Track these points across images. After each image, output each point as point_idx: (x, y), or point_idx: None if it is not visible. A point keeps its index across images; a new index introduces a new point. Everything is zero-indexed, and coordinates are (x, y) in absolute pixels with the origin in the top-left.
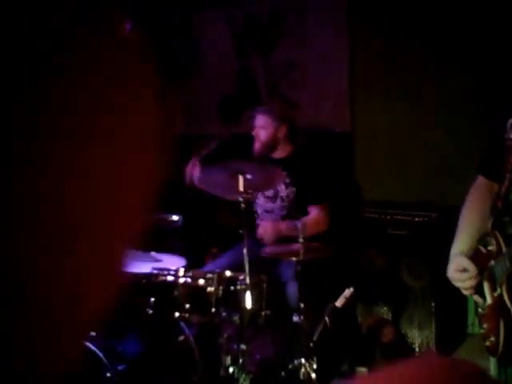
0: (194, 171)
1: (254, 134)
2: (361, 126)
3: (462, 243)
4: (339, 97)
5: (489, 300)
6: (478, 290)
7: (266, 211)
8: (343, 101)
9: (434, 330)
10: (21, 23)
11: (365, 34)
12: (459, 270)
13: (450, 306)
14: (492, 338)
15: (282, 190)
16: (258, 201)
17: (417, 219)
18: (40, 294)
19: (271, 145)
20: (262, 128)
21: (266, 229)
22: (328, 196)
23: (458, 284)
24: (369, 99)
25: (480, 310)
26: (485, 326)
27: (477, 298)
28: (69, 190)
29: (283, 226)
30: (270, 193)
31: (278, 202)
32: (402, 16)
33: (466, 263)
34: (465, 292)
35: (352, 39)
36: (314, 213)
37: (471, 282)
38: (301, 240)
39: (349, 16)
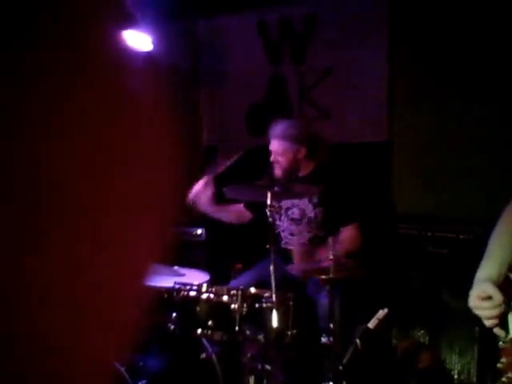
0: (204, 191)
1: (272, 159)
2: (399, 137)
3: (489, 268)
4: (376, 106)
5: None
6: (501, 321)
7: (291, 234)
8: (381, 110)
9: (476, 357)
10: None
11: (405, 44)
12: (482, 298)
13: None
14: (510, 375)
15: (310, 211)
16: (280, 223)
17: (461, 236)
18: (69, 309)
19: (293, 169)
20: (280, 154)
21: (302, 259)
22: (358, 213)
23: (478, 312)
24: (408, 109)
25: (501, 343)
26: (503, 360)
27: (498, 330)
28: (94, 206)
29: (319, 253)
30: (295, 215)
31: (304, 223)
32: (443, 28)
33: (492, 291)
34: (486, 323)
35: (392, 49)
36: (346, 233)
37: (494, 312)
38: (331, 257)
39: (390, 25)
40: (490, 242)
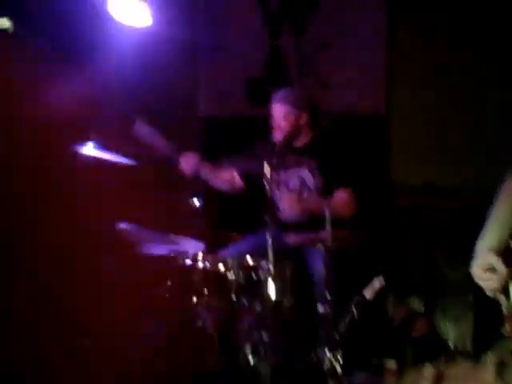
0: (190, 159)
1: (273, 124)
2: (397, 108)
3: (490, 238)
4: (375, 77)
5: None
6: (504, 290)
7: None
8: (379, 81)
9: (471, 324)
10: None
11: (405, 16)
12: (485, 268)
13: (489, 299)
14: None
15: (310, 181)
16: (279, 193)
17: (457, 206)
18: None
19: (294, 134)
20: (283, 118)
21: (290, 199)
22: (353, 180)
23: (481, 283)
24: (406, 79)
25: (504, 310)
26: (508, 327)
27: (501, 298)
28: None
29: (309, 199)
30: (295, 185)
31: (305, 194)
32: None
33: (494, 261)
34: (488, 292)
35: (391, 22)
36: (339, 195)
37: (498, 283)
38: (328, 227)
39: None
40: (491, 211)
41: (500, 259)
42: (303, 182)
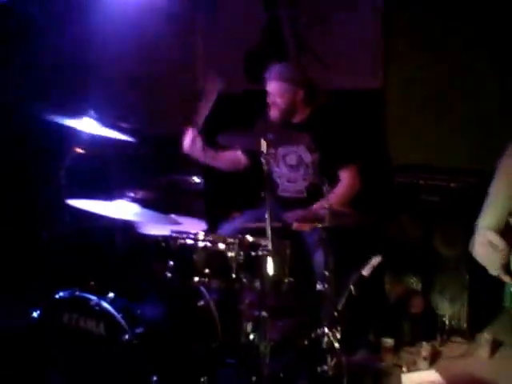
0: (193, 144)
1: (269, 101)
2: (395, 84)
3: (490, 216)
4: (372, 50)
5: None
6: (505, 268)
7: (289, 181)
8: (376, 58)
9: (466, 303)
10: None
11: None
12: (485, 246)
13: (485, 278)
14: None
15: (307, 157)
16: (278, 170)
17: (453, 184)
18: None
19: (290, 111)
20: (278, 95)
21: (297, 218)
22: (355, 156)
23: (484, 261)
24: (405, 56)
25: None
26: None
27: (506, 277)
28: None
29: (316, 210)
30: (292, 161)
31: (302, 170)
32: None
33: (495, 238)
34: (492, 272)
35: None
36: (343, 180)
37: (498, 260)
38: (326, 205)
39: None
40: (490, 190)
41: (500, 236)
42: (300, 159)
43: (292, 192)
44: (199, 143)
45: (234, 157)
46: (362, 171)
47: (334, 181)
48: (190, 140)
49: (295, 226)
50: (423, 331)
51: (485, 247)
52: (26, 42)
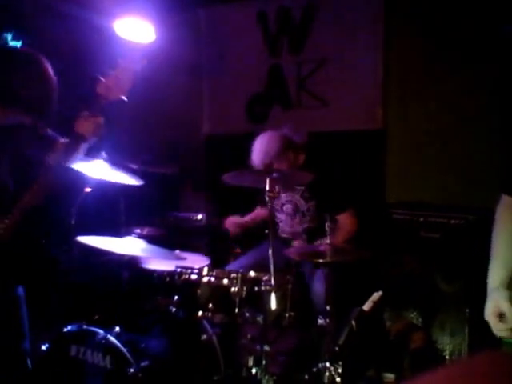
0: (234, 228)
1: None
2: (393, 125)
3: (497, 273)
4: (372, 94)
5: None
6: None
7: (287, 226)
8: (376, 99)
9: (466, 337)
10: None
11: (401, 31)
12: (496, 316)
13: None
14: None
15: (302, 205)
16: (278, 215)
17: (452, 221)
18: None
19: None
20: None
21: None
22: (351, 201)
23: (493, 329)
24: (403, 98)
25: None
26: None
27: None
28: None
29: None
30: (289, 210)
31: (298, 218)
32: (440, 20)
33: (506, 308)
34: (499, 334)
35: (388, 38)
36: (342, 225)
37: (505, 333)
38: (327, 241)
39: (386, 16)
40: (493, 244)
41: (510, 304)
42: (296, 207)
43: (291, 234)
44: (238, 222)
45: (263, 213)
46: (359, 212)
47: (333, 222)
48: (232, 228)
49: (295, 243)
50: (424, 366)
51: (496, 317)
52: None
